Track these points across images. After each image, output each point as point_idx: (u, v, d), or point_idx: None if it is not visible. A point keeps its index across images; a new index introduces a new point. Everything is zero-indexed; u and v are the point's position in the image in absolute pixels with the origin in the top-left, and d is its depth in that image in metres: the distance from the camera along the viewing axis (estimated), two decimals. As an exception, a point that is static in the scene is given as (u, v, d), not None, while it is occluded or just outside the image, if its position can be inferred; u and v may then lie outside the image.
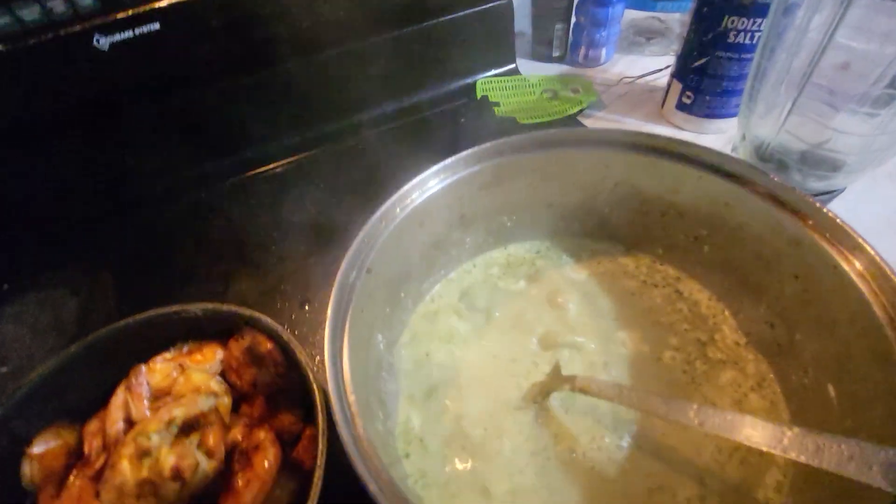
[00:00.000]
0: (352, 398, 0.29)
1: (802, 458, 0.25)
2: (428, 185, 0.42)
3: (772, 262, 0.39)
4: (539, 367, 0.43)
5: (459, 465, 0.38)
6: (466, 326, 0.47)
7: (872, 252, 0.31)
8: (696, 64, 0.68)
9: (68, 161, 0.71)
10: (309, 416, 0.41)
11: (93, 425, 0.41)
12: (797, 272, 0.37)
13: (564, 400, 0.41)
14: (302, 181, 0.77)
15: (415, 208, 0.42)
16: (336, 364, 0.31)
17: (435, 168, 0.43)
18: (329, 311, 0.33)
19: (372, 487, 0.24)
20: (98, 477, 0.35)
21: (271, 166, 0.80)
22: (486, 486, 0.37)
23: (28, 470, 0.38)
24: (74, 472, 0.39)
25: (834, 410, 0.33)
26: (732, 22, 0.61)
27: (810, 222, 0.35)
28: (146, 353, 0.43)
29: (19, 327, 0.62)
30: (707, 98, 0.70)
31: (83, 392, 0.42)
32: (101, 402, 0.41)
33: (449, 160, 0.43)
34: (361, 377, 0.35)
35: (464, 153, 0.43)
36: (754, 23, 0.60)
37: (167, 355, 0.43)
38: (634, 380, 0.41)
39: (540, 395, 0.41)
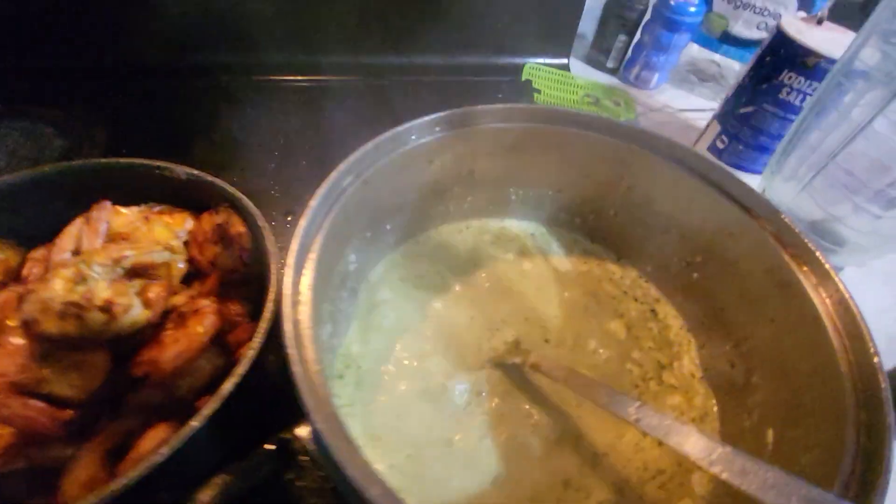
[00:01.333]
0: (307, 293, 0.28)
1: (726, 476, 0.24)
2: (451, 122, 0.41)
3: (754, 303, 0.39)
4: (500, 336, 0.42)
5: (386, 403, 0.38)
6: (443, 279, 0.46)
7: (856, 311, 0.31)
8: (742, 111, 0.67)
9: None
10: (255, 317, 0.40)
11: (39, 252, 0.39)
12: (775, 316, 0.36)
13: (512, 375, 0.40)
14: (326, 102, 0.75)
15: (429, 142, 0.41)
16: (302, 253, 0.30)
17: (463, 109, 0.41)
18: (312, 202, 0.32)
19: (300, 381, 0.23)
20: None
21: (301, 78, 0.78)
22: (408, 434, 0.36)
23: (-40, 273, 0.37)
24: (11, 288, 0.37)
25: (766, 454, 0.33)
26: (790, 78, 0.61)
27: (805, 269, 0.34)
28: (118, 202, 0.41)
29: (-2, 148, 0.60)
30: (740, 148, 0.69)
31: (40, 219, 0.40)
32: (54, 235, 0.40)
33: (480, 107, 0.42)
34: (322, 282, 0.34)
35: (498, 105, 0.42)
36: (810, 85, 0.60)
37: (136, 209, 0.42)
38: (587, 377, 0.41)
39: (491, 362, 0.40)
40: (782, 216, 0.37)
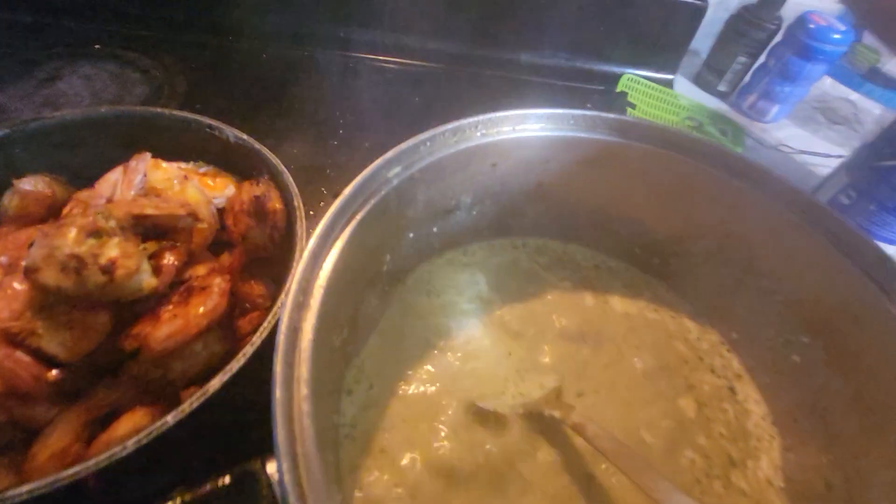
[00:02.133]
0: (319, 293, 0.24)
1: None
2: (523, 124, 0.36)
3: (876, 412, 0.30)
4: (537, 379, 0.36)
5: (391, 441, 0.32)
6: (485, 298, 0.41)
7: None
8: (882, 163, 0.56)
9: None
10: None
11: (84, 194, 0.38)
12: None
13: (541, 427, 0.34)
14: (406, 87, 0.72)
15: (495, 141, 0.35)
16: (323, 244, 0.26)
17: (539, 111, 0.36)
18: (347, 189, 0.27)
19: (277, 409, 0.19)
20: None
21: (387, 57, 0.75)
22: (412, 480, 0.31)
23: (7, 200, 0.36)
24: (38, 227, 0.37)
25: None
26: (958, 134, 0.49)
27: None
28: (168, 154, 0.40)
29: (84, 86, 0.62)
30: (871, 208, 0.57)
31: (93, 159, 0.40)
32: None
33: (560, 111, 0.36)
34: (345, 280, 0.30)
35: (579, 111, 0.36)
36: None
37: (184, 164, 0.40)
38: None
39: (524, 408, 0.34)
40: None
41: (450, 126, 0.33)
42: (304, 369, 0.21)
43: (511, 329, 0.39)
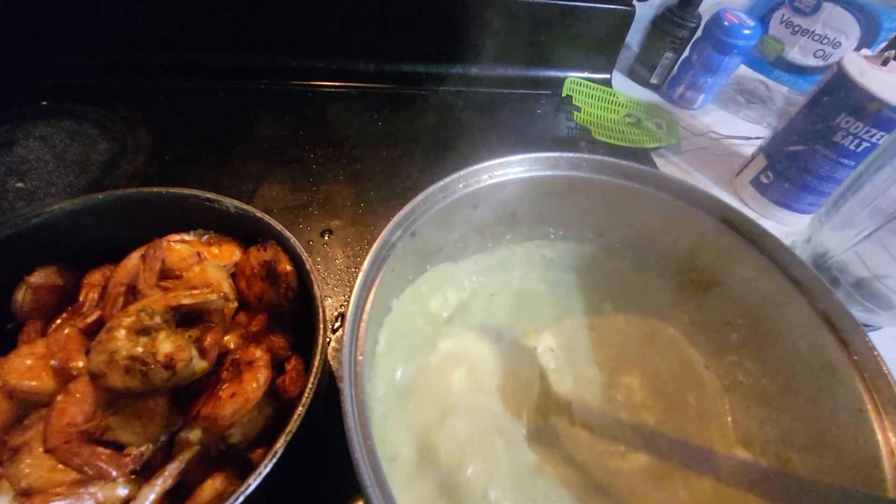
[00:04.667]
0: (360, 357, 0.29)
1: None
2: (498, 171, 0.41)
3: (793, 381, 0.39)
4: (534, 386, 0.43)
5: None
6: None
7: (906, 411, 0.31)
8: (792, 148, 0.65)
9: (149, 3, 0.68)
10: (297, 348, 0.41)
11: (94, 277, 0.41)
12: (817, 398, 0.36)
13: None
14: (366, 112, 0.74)
15: (476, 190, 0.40)
16: (356, 320, 0.30)
17: (510, 158, 0.41)
18: (364, 266, 0.32)
19: (356, 452, 0.24)
20: (89, 331, 0.35)
21: (340, 84, 0.77)
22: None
23: (21, 297, 0.38)
24: (64, 315, 0.39)
25: None
26: (847, 122, 0.58)
27: (855, 357, 0.34)
28: (166, 227, 0.42)
29: (46, 149, 0.61)
30: (786, 186, 0.67)
31: (93, 243, 0.42)
32: (108, 257, 0.41)
33: (526, 155, 0.42)
34: (372, 339, 0.35)
35: (545, 154, 0.42)
36: (868, 132, 0.57)
37: (186, 236, 0.43)
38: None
39: (539, 414, 0.41)
40: (833, 296, 0.36)
41: (438, 185, 0.38)
42: (366, 426, 0.26)
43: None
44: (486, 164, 0.40)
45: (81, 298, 0.40)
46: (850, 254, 0.52)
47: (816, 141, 0.62)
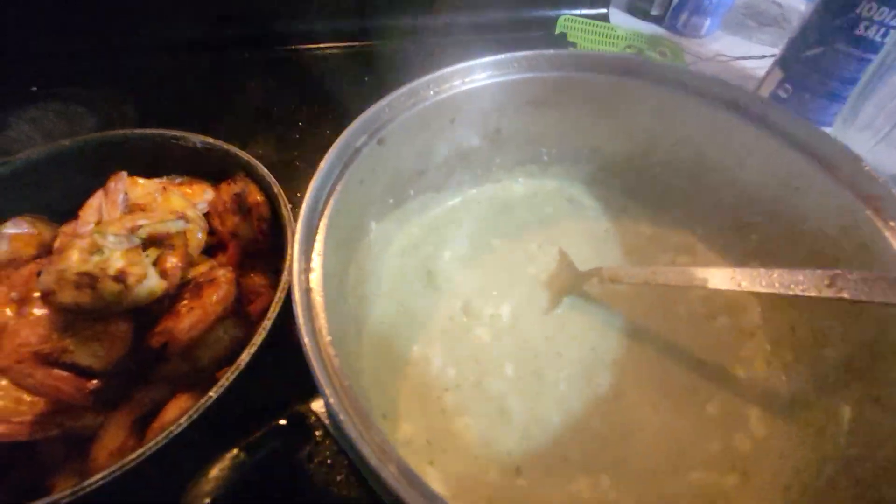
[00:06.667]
0: (318, 259, 0.27)
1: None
2: (471, 76, 0.38)
3: (828, 266, 0.34)
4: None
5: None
6: (472, 237, 0.44)
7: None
8: (809, 53, 0.59)
9: None
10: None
11: (69, 227, 0.40)
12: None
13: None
14: (348, 69, 0.72)
15: (449, 97, 0.37)
16: (312, 218, 0.28)
17: (484, 60, 0.38)
18: (322, 164, 0.30)
19: (309, 353, 0.22)
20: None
21: (321, 45, 0.75)
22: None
23: (-5, 247, 0.37)
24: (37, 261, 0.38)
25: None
26: (869, 9, 0.52)
27: (893, 225, 0.29)
28: (139, 173, 0.41)
29: (34, 130, 0.61)
30: (807, 97, 0.61)
31: (67, 192, 0.41)
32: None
33: (501, 56, 0.38)
34: (343, 252, 0.32)
35: (520, 53, 0.38)
36: (894, 16, 0.51)
37: (157, 180, 0.41)
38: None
39: (563, 293, 0.39)
40: (862, 164, 0.31)
41: (404, 89, 0.35)
42: (321, 320, 0.23)
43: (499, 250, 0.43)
44: (458, 66, 0.37)
45: (56, 246, 0.39)
46: (879, 150, 0.47)
47: (836, 39, 0.56)
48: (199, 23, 0.72)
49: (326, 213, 0.29)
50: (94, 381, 0.29)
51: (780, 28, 0.83)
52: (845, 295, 0.26)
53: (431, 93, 0.37)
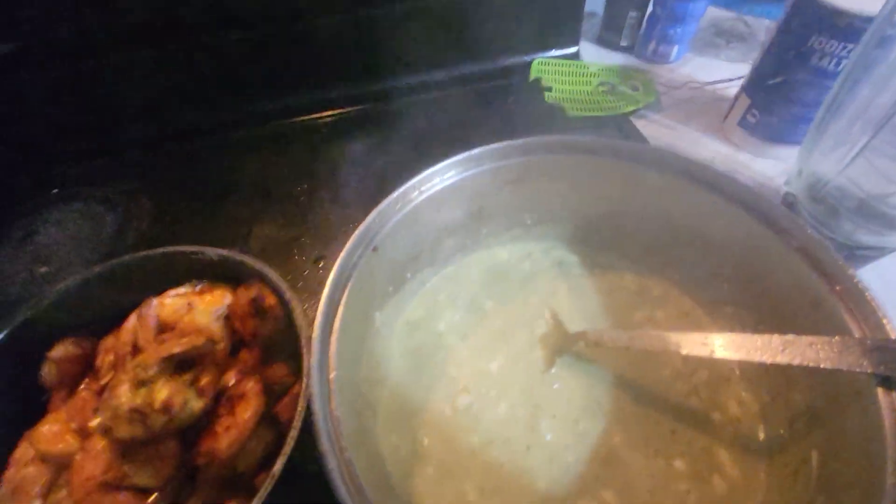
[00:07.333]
0: (332, 375, 0.31)
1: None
2: (448, 174, 0.42)
3: (787, 319, 0.37)
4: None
5: None
6: (470, 314, 0.48)
7: (889, 328, 0.29)
8: (771, 82, 0.63)
9: (126, 85, 0.73)
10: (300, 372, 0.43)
11: (108, 342, 0.45)
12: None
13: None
14: (341, 136, 0.77)
15: (433, 195, 0.42)
16: (324, 340, 0.32)
17: (458, 157, 0.42)
18: (325, 291, 0.34)
19: (330, 464, 0.26)
20: (101, 392, 0.39)
21: (313, 116, 0.80)
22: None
23: (46, 371, 0.42)
24: (86, 381, 0.43)
25: (811, 481, 0.32)
26: (820, 43, 0.56)
27: (837, 288, 0.33)
28: (163, 284, 0.46)
29: (61, 233, 0.67)
30: (774, 121, 0.65)
31: (102, 310, 0.46)
32: (118, 321, 0.45)
33: (475, 151, 0.42)
34: (352, 354, 0.36)
35: (491, 146, 0.42)
36: (844, 48, 0.54)
37: (180, 290, 0.46)
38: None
39: (554, 354, 0.43)
40: (808, 231, 0.35)
41: (393, 196, 0.40)
42: (344, 441, 0.28)
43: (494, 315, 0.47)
44: (435, 167, 0.41)
45: (98, 363, 0.43)
46: (843, 177, 0.50)
47: (794, 69, 0.59)
48: (197, 110, 0.78)
49: (333, 337, 0.33)
50: (153, 497, 0.33)
51: (747, 43, 0.86)
52: (797, 361, 0.29)
53: (416, 194, 0.41)
